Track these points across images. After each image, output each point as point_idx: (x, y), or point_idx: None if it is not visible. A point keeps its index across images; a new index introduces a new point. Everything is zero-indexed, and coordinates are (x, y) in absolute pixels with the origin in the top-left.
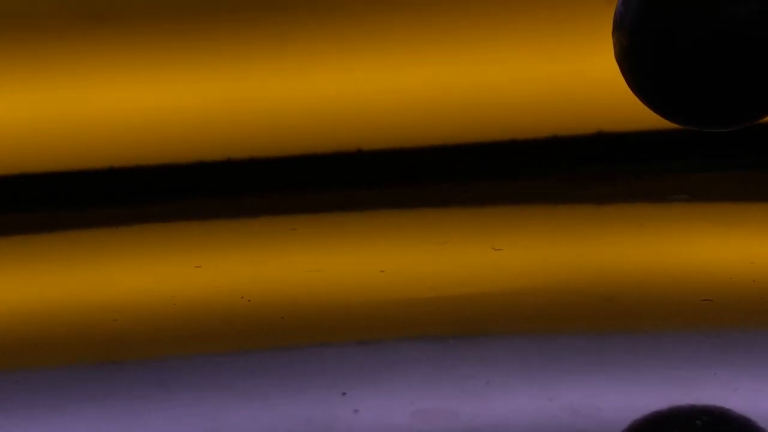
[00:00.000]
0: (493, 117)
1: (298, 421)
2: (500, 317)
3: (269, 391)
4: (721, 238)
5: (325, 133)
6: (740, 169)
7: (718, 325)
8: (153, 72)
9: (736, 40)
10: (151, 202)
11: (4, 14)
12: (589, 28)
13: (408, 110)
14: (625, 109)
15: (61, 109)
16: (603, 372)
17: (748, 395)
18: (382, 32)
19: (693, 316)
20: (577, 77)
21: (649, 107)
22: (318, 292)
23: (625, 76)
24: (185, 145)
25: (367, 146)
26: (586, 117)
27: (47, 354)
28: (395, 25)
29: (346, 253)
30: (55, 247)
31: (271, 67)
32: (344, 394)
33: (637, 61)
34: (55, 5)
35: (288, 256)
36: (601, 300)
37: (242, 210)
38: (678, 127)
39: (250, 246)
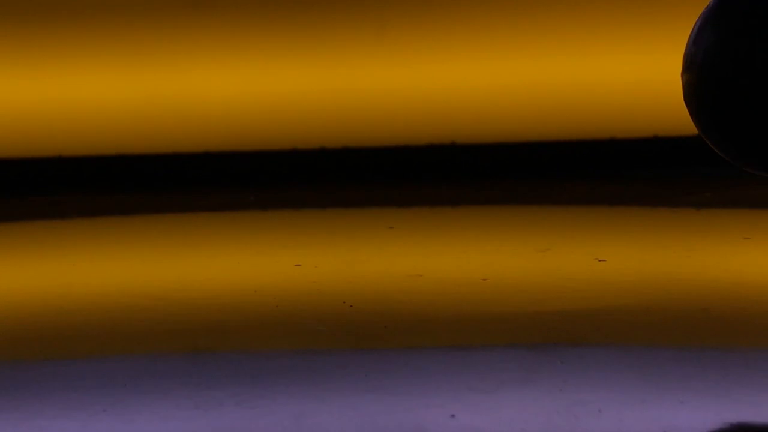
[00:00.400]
0: (593, 115)
1: None
2: (601, 330)
3: (368, 398)
4: None
5: (419, 124)
6: None
7: None
8: (249, 59)
9: None
10: (247, 189)
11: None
12: (689, 27)
13: (505, 104)
14: None
15: (159, 93)
16: (696, 389)
17: None
18: (480, 25)
19: None
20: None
21: (717, 150)
22: (420, 299)
23: (694, 118)
24: (280, 133)
25: (461, 140)
26: (688, 117)
27: (147, 341)
28: (494, 18)
29: (447, 256)
30: (153, 232)
31: (368, 57)
32: (453, 416)
33: (707, 101)
34: None
35: (389, 258)
36: (698, 311)
37: (337, 200)
38: None
39: (349, 243)
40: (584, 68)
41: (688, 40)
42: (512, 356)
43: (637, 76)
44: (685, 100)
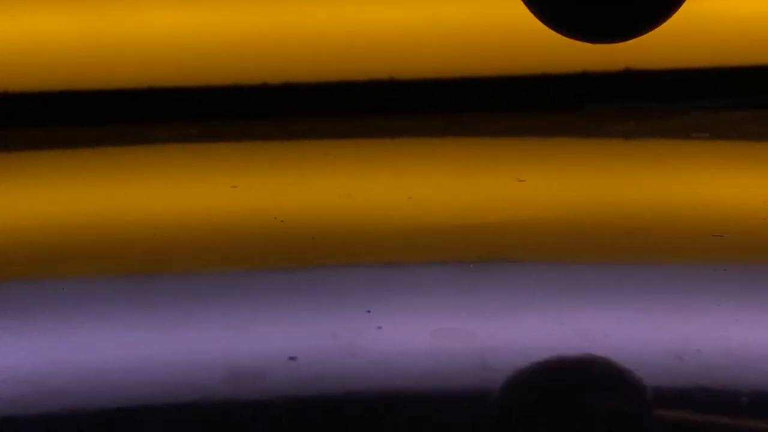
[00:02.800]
0: (526, 51)
1: (325, 336)
2: (521, 246)
3: (298, 308)
4: (737, 176)
5: (359, 60)
6: (763, 109)
7: (726, 260)
8: None
9: None
10: (191, 123)
11: None
12: None
13: (441, 41)
14: (653, 47)
15: (103, 29)
16: (614, 301)
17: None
18: None
19: (703, 250)
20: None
21: (540, 20)
22: (348, 216)
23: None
24: (222, 68)
25: (399, 75)
26: (615, 54)
27: (90, 264)
28: None
29: (376, 179)
30: (99, 163)
31: None
32: (369, 311)
33: None
34: None
35: (321, 180)
36: (621, 232)
37: (278, 133)
38: (706, 65)
39: (284, 169)
40: (518, 5)
41: None
42: (435, 267)
43: None
44: None
